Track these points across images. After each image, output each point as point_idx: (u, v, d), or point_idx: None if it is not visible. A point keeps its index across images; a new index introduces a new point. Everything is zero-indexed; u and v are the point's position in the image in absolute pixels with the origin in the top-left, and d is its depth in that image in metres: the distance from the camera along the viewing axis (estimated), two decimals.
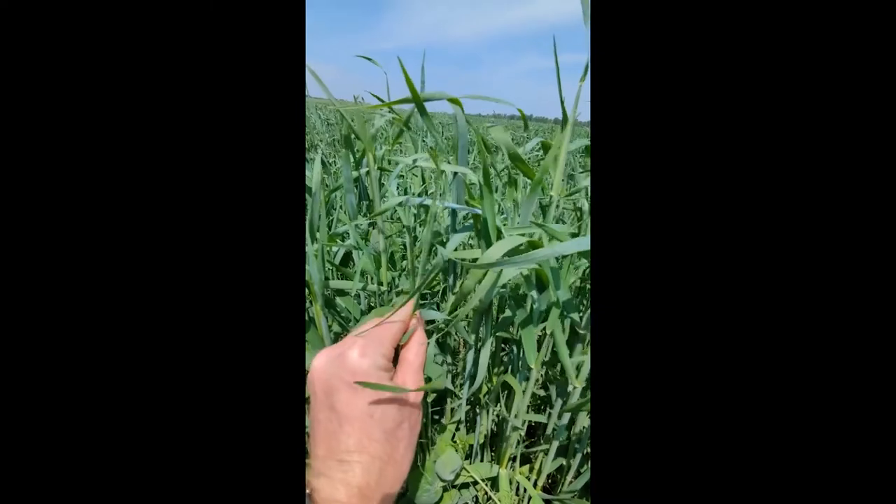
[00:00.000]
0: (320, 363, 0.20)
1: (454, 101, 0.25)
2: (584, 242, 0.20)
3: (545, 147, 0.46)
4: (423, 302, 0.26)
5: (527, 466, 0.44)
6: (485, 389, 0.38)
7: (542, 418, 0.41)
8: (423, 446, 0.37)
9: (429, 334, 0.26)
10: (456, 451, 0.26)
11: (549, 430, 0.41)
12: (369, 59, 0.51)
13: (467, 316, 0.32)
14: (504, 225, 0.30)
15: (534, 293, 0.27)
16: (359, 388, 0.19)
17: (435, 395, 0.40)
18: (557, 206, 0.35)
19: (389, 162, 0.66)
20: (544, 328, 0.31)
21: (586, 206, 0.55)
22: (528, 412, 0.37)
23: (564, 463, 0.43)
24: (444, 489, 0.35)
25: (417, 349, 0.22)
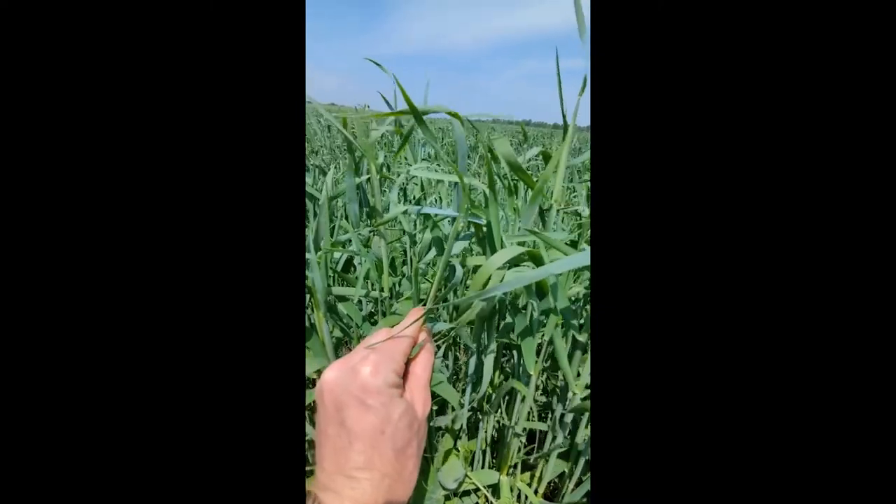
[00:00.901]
0: (331, 377, 0.20)
1: (454, 114, 0.26)
2: (583, 258, 0.21)
3: (545, 157, 0.47)
4: (431, 317, 0.26)
5: (528, 473, 0.44)
6: (486, 396, 0.38)
7: (542, 426, 0.41)
8: (425, 453, 0.37)
9: (435, 346, 0.27)
10: (458, 459, 0.27)
11: (549, 437, 0.41)
12: (377, 64, 0.51)
13: (470, 323, 0.32)
14: (505, 233, 0.30)
15: (534, 301, 0.28)
16: (370, 404, 0.19)
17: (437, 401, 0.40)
18: (557, 213, 0.35)
19: (390, 169, 0.66)
20: (544, 335, 0.32)
21: (586, 212, 0.55)
22: (529, 419, 0.37)
23: (566, 470, 0.43)
24: (447, 497, 0.35)
25: (425, 363, 0.22)
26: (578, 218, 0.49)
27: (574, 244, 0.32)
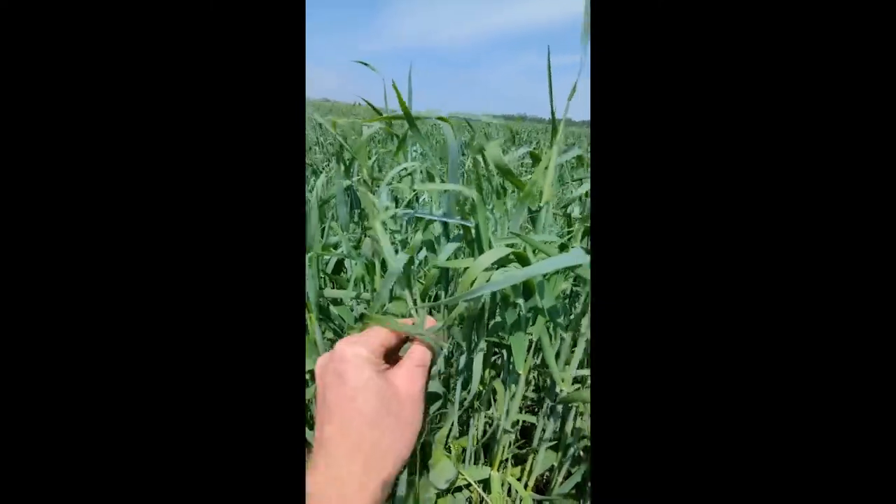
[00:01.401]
0: (320, 362, 0.21)
1: (445, 119, 0.26)
2: (566, 259, 0.22)
3: (534, 157, 0.48)
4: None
5: (519, 468, 0.45)
6: (478, 393, 0.39)
7: (532, 419, 0.42)
8: (417, 451, 0.38)
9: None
10: (450, 459, 0.27)
11: (538, 432, 0.42)
12: (367, 65, 0.52)
13: (461, 322, 0.33)
14: (493, 235, 0.31)
15: (521, 301, 0.28)
16: (341, 372, 0.20)
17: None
18: (554, 216, 0.36)
19: (381, 169, 0.67)
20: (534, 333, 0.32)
21: (576, 212, 0.56)
22: (520, 413, 0.38)
23: (555, 463, 0.44)
24: (439, 495, 0.36)
25: (422, 355, 0.23)
26: (569, 219, 0.50)
27: (564, 246, 0.32)
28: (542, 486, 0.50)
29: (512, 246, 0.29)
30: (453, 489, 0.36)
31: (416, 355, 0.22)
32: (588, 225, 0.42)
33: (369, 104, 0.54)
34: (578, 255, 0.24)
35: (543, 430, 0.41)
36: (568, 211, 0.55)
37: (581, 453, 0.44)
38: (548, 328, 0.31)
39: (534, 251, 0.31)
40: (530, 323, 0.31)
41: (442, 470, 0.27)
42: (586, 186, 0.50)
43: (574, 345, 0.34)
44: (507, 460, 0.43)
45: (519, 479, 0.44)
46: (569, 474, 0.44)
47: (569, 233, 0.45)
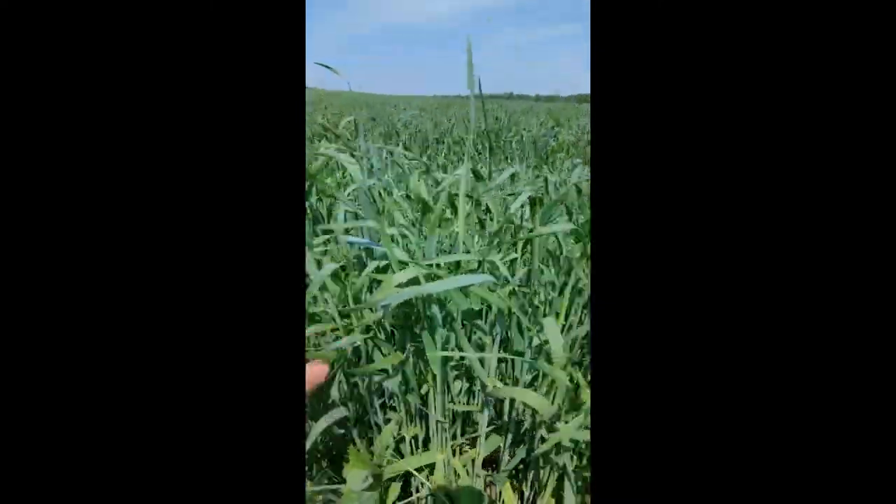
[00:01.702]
0: None
1: (352, 158, 0.31)
2: (454, 281, 0.27)
3: (476, 175, 0.52)
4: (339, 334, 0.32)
5: (472, 451, 0.51)
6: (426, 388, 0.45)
7: (474, 408, 0.48)
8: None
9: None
10: (359, 461, 0.31)
11: (482, 419, 0.48)
12: (329, 68, 0.56)
13: (392, 330, 0.38)
14: (412, 257, 0.36)
15: (434, 310, 0.34)
16: None
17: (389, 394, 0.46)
18: (463, 239, 0.41)
19: (340, 186, 0.71)
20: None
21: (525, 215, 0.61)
22: (456, 404, 0.44)
23: (501, 445, 0.50)
24: (392, 480, 0.42)
25: (319, 370, 0.28)
26: (513, 229, 0.54)
27: (480, 263, 0.38)
28: (494, 468, 0.56)
29: (431, 266, 0.35)
30: (399, 478, 0.42)
31: (318, 370, 0.27)
32: (525, 238, 0.47)
33: (327, 124, 0.59)
34: (476, 277, 0.30)
35: (488, 415, 0.47)
36: (515, 222, 0.60)
37: (524, 435, 0.50)
38: (467, 333, 0.36)
39: (456, 267, 0.36)
40: (458, 328, 0.37)
41: (355, 475, 0.31)
42: (523, 198, 0.55)
43: (492, 346, 0.40)
44: (457, 446, 0.48)
45: (473, 462, 0.50)
46: (513, 454, 0.50)
47: (509, 244, 0.50)
